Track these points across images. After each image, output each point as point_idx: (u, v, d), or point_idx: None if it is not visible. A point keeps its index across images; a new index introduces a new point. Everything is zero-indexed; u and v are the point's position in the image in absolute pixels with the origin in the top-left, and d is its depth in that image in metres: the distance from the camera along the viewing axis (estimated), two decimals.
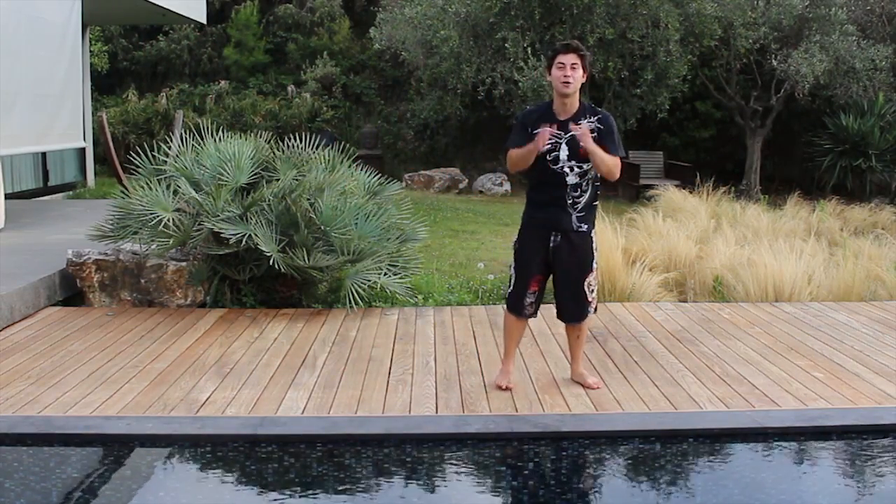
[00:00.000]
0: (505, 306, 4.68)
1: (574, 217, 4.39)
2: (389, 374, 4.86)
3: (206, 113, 17.38)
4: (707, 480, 3.80)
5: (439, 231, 10.12)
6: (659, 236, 8.14)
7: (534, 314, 4.62)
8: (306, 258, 6.01)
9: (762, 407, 4.35)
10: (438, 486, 3.77)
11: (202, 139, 6.84)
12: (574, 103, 4.35)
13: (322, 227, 6.18)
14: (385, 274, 6.39)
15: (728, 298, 6.93)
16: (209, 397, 4.42)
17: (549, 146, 4.30)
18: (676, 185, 12.81)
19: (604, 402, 4.42)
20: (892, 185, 15.35)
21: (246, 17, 19.12)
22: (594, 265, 4.50)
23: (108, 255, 6.38)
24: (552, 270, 4.50)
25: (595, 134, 4.30)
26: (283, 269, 6.03)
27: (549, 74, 4.36)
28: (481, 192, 15.78)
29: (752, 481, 3.71)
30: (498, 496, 3.69)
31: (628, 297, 6.77)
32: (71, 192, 12.99)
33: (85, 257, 6.35)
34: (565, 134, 4.31)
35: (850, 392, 4.58)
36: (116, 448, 3.98)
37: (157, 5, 11.94)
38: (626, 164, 15.65)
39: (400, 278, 6.51)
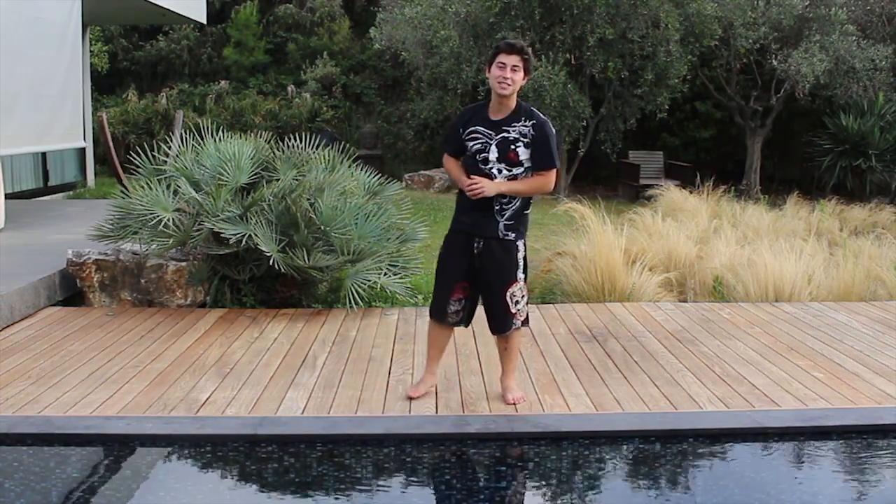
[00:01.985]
0: (429, 314, 4.48)
1: (501, 224, 4.19)
2: (389, 374, 4.86)
3: (206, 113, 17.38)
4: (707, 480, 3.80)
5: (439, 231, 10.05)
6: (659, 236, 8.14)
7: (460, 323, 4.39)
8: (306, 258, 6.01)
9: (762, 407, 4.35)
10: (438, 486, 3.77)
11: (202, 139, 6.84)
12: (510, 104, 4.18)
13: (322, 227, 6.18)
14: (385, 274, 6.39)
15: (728, 298, 6.93)
16: (209, 397, 4.42)
17: (479, 145, 4.20)
18: (677, 185, 12.82)
19: (604, 402, 4.41)
20: (892, 185, 15.35)
21: (246, 17, 19.13)
22: (518, 275, 4.24)
23: (108, 255, 6.38)
24: (476, 278, 4.30)
25: (527, 139, 4.15)
26: (283, 269, 6.03)
27: (488, 71, 4.21)
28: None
29: (752, 481, 3.71)
30: (498, 496, 3.69)
31: (628, 297, 6.77)
32: (71, 192, 13.00)
33: (85, 257, 6.35)
34: (496, 134, 4.17)
35: (850, 392, 4.58)
36: (116, 448, 3.98)
37: (157, 5, 11.95)
38: (627, 164, 15.83)
39: (400, 278, 6.51)
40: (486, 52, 14.50)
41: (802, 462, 4.05)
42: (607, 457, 4.02)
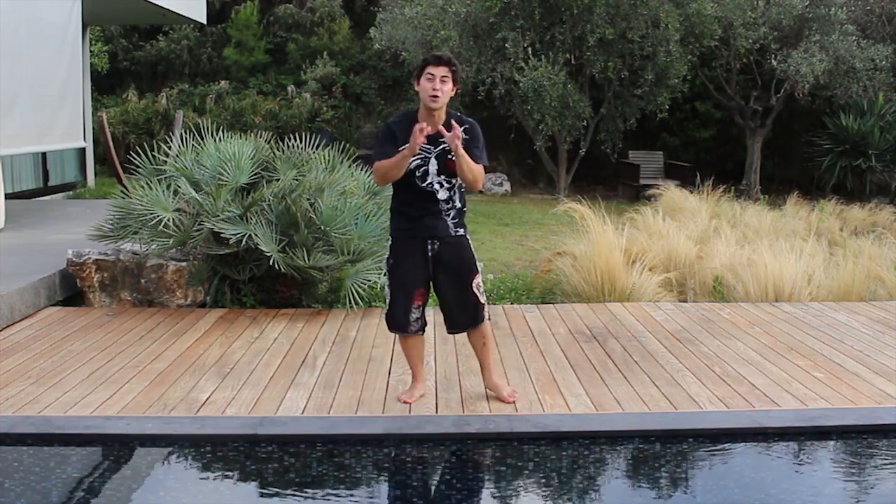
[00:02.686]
0: (388, 328, 4.41)
1: (449, 222, 4.25)
2: (389, 374, 4.86)
3: (206, 113, 17.38)
4: (707, 480, 3.80)
5: None
6: (659, 236, 8.14)
7: (420, 330, 4.37)
8: (306, 258, 6.01)
9: (762, 407, 4.35)
10: (438, 486, 3.77)
11: (202, 139, 6.84)
12: (441, 116, 4.15)
13: (322, 227, 6.19)
14: (385, 274, 6.37)
15: (728, 298, 6.93)
16: (209, 397, 4.43)
17: (419, 160, 4.14)
18: (677, 185, 12.82)
19: (604, 402, 4.42)
20: (892, 185, 15.35)
21: (246, 17, 19.13)
22: (478, 267, 4.32)
23: (108, 255, 6.38)
24: (433, 280, 4.29)
25: (463, 145, 4.10)
26: (283, 269, 6.03)
27: (417, 84, 4.17)
28: (481, 191, 15.75)
29: (752, 481, 3.71)
30: (498, 496, 3.69)
31: (628, 297, 6.77)
32: (71, 192, 13.00)
33: (85, 257, 6.35)
34: (435, 147, 4.15)
35: (850, 392, 4.58)
36: (116, 448, 3.98)
37: (157, 5, 11.95)
38: (627, 164, 15.84)
39: None
40: (487, 52, 14.55)
41: (802, 462, 4.06)
42: (607, 457, 4.02)
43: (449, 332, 4.53)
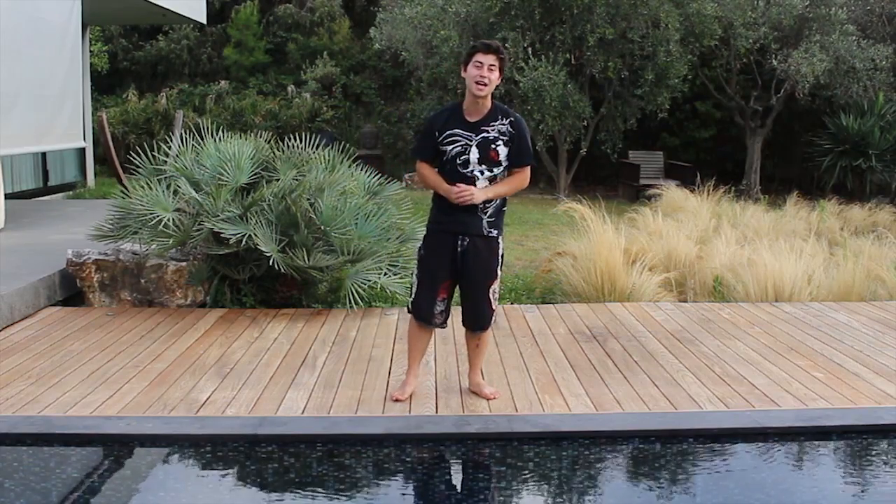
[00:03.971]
0: (410, 316, 4.44)
1: (485, 221, 4.23)
2: (389, 374, 4.86)
3: (206, 113, 17.38)
4: (707, 480, 3.80)
5: None
6: (659, 236, 8.14)
7: (443, 324, 4.42)
8: (306, 258, 6.01)
9: (762, 407, 4.35)
10: (438, 486, 3.77)
11: (202, 139, 6.84)
12: (486, 104, 4.18)
13: (322, 227, 6.18)
14: (385, 274, 6.39)
15: (728, 298, 6.93)
16: (209, 397, 4.42)
17: (459, 148, 4.18)
18: (677, 185, 12.82)
19: (604, 402, 4.41)
20: (892, 185, 15.36)
21: (246, 17, 19.13)
22: (499, 271, 4.34)
23: (108, 255, 6.38)
24: (458, 276, 4.32)
25: (507, 137, 4.17)
26: (283, 269, 6.03)
27: (464, 71, 4.17)
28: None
29: (752, 481, 3.71)
30: (498, 496, 3.69)
31: (628, 297, 6.77)
32: (71, 192, 13.00)
33: (85, 257, 6.35)
34: (476, 135, 4.17)
35: (850, 392, 4.58)
36: (116, 448, 3.98)
37: (157, 5, 11.94)
38: (627, 164, 15.84)
39: (400, 278, 6.51)
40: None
41: (802, 462, 4.06)
42: (607, 457, 4.02)
43: (463, 325, 4.51)
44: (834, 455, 4.12)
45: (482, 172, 4.20)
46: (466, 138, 4.18)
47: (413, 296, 4.40)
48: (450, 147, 4.20)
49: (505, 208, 4.36)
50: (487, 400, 4.41)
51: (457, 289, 4.42)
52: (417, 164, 4.38)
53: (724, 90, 16.02)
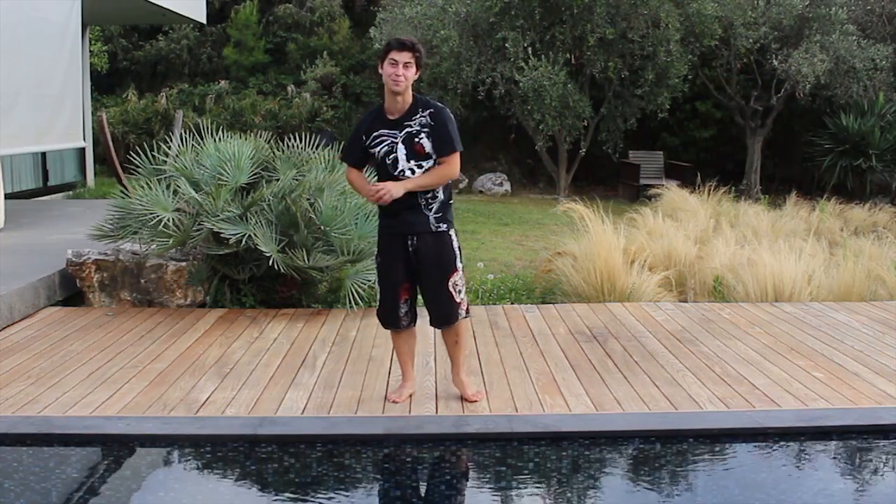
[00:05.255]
0: (380, 324, 4.45)
1: (431, 217, 4.19)
2: (389, 374, 4.85)
3: (206, 113, 17.38)
4: (707, 480, 3.80)
5: None
6: (659, 236, 8.14)
7: (410, 323, 4.40)
8: (306, 258, 6.01)
9: (762, 407, 4.35)
10: (438, 486, 3.77)
11: (202, 139, 6.84)
12: (406, 100, 4.15)
13: (322, 227, 6.18)
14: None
15: (728, 298, 6.93)
16: (209, 397, 4.42)
17: (386, 147, 4.16)
18: (677, 185, 12.82)
19: (604, 402, 4.41)
20: (893, 185, 15.35)
21: (246, 16, 19.13)
22: (458, 264, 4.28)
23: (108, 255, 6.38)
24: (415, 275, 4.30)
25: (428, 129, 4.14)
26: (282, 269, 6.02)
27: (381, 68, 4.13)
28: (481, 191, 15.78)
29: (752, 481, 3.71)
30: (498, 496, 3.69)
31: (628, 297, 6.76)
32: (71, 192, 13.00)
33: (85, 257, 6.35)
34: (400, 132, 4.15)
35: (850, 392, 4.58)
36: (116, 448, 3.98)
37: (157, 5, 11.95)
38: (627, 164, 15.84)
39: None
40: (487, 52, 14.56)
41: (802, 462, 4.05)
42: (607, 457, 4.01)
43: (431, 325, 4.48)
44: (834, 455, 4.12)
45: (412, 170, 4.16)
46: (392, 136, 4.16)
47: (378, 304, 4.41)
48: (378, 148, 4.18)
49: (451, 202, 4.31)
50: (470, 402, 4.36)
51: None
52: (347, 170, 4.40)
53: (724, 90, 16.02)
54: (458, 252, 4.30)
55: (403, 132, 4.15)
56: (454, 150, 4.17)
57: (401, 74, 4.07)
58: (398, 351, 4.52)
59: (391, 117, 4.18)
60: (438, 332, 4.74)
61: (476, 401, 4.38)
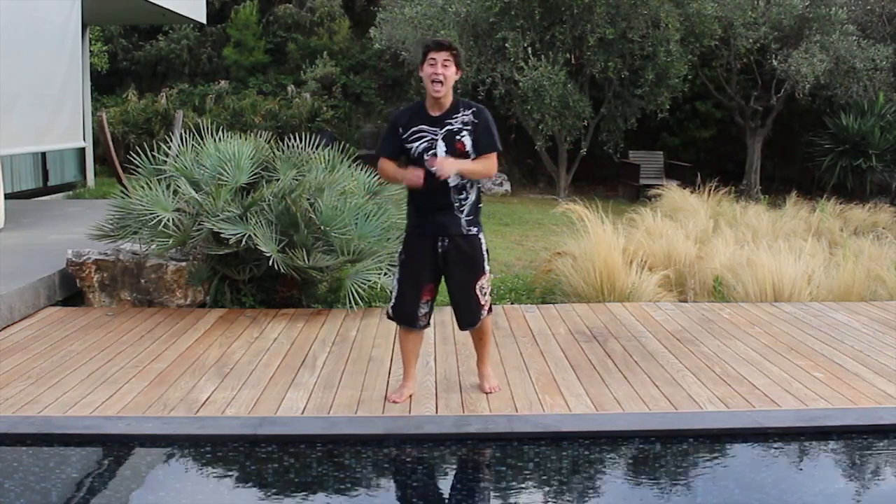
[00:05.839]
0: (394, 321, 4.46)
1: (463, 220, 4.25)
2: (389, 374, 4.85)
3: (206, 113, 17.37)
4: (707, 480, 3.80)
5: None
6: (659, 236, 8.14)
7: (427, 325, 4.43)
8: (306, 258, 6.01)
9: (762, 407, 4.35)
10: (438, 486, 3.77)
11: (202, 139, 6.84)
12: (447, 100, 4.20)
13: (322, 227, 6.18)
14: (385, 274, 6.38)
15: (728, 298, 6.93)
16: (209, 397, 4.42)
17: (425, 143, 4.18)
18: (677, 185, 12.82)
19: (604, 402, 4.41)
20: (893, 185, 15.35)
21: (246, 16, 19.12)
22: (486, 268, 4.35)
23: (108, 255, 6.38)
24: (443, 277, 4.34)
25: (470, 127, 4.19)
26: (282, 270, 6.02)
27: (421, 71, 4.21)
28: (481, 191, 15.77)
29: (752, 481, 3.71)
30: (498, 496, 3.69)
31: (628, 297, 6.76)
32: (71, 192, 13.00)
33: (85, 257, 6.35)
34: (441, 129, 4.19)
35: (850, 392, 4.58)
36: (116, 448, 3.98)
37: (157, 5, 11.94)
38: (627, 164, 15.84)
39: None
40: (487, 52, 14.55)
41: (802, 462, 4.05)
42: (607, 457, 4.01)
43: (458, 326, 4.54)
44: (834, 455, 4.12)
45: None
46: (432, 133, 4.20)
47: (393, 300, 4.40)
48: (416, 144, 4.20)
49: (481, 205, 4.38)
50: (485, 393, 4.45)
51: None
52: (379, 161, 4.37)
53: (724, 90, 16.02)
54: (486, 255, 4.36)
55: (444, 129, 4.20)
56: (495, 149, 4.25)
57: (440, 73, 4.13)
58: (404, 350, 4.50)
59: (432, 114, 4.23)
60: (438, 332, 4.76)
61: (489, 392, 4.46)
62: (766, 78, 15.60)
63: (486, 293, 4.37)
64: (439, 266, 4.30)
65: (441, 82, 4.12)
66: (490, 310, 4.48)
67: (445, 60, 4.14)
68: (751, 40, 14.71)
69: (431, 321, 4.52)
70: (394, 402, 4.37)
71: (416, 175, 4.14)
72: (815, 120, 16.14)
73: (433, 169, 4.09)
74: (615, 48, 14.28)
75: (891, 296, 7.04)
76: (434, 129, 4.20)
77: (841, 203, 12.59)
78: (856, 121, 15.20)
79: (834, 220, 10.98)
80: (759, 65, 15.62)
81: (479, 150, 4.22)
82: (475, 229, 4.31)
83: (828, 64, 14.25)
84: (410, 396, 4.43)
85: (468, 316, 4.39)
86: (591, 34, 13.88)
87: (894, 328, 5.99)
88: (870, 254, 7.73)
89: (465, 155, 4.19)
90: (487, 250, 4.39)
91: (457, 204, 4.24)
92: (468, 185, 4.26)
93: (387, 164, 4.35)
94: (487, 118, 4.26)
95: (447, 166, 4.08)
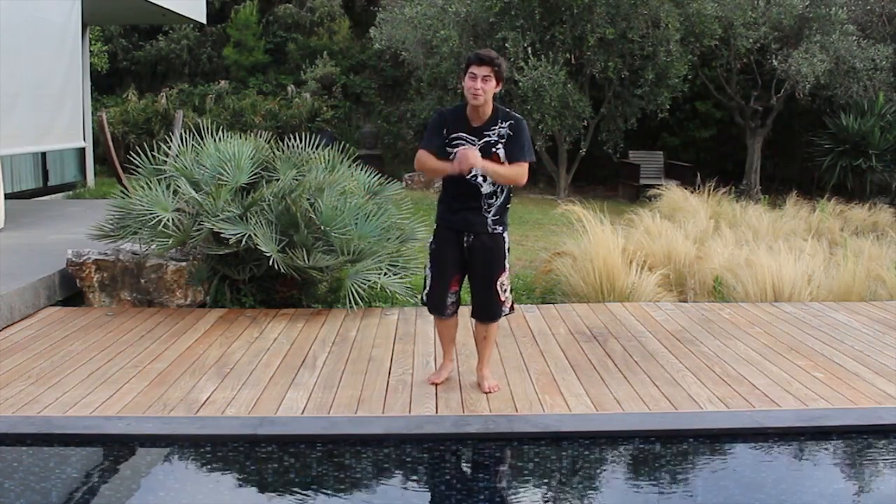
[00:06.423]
0: (427, 309, 4.66)
1: (489, 219, 4.42)
2: (389, 374, 4.86)
3: (206, 113, 17.38)
4: (707, 480, 3.80)
5: None
6: (658, 236, 8.14)
7: (455, 313, 4.62)
8: (306, 258, 6.01)
9: (762, 407, 4.35)
10: (438, 486, 3.77)
11: (202, 139, 6.84)
12: (486, 111, 4.34)
13: (322, 227, 6.18)
14: (385, 274, 6.39)
15: (728, 298, 6.93)
16: (209, 397, 4.42)
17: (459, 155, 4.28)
18: (677, 185, 12.82)
19: (604, 402, 4.41)
20: (893, 185, 15.35)
21: (246, 16, 19.13)
22: (506, 265, 4.51)
23: (108, 255, 6.38)
24: (467, 269, 4.52)
25: (504, 139, 4.33)
26: (283, 269, 6.02)
27: (462, 80, 4.37)
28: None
29: (752, 481, 3.71)
30: (498, 496, 3.69)
31: (628, 297, 6.77)
32: (71, 192, 13.00)
33: (85, 257, 6.35)
34: (479, 140, 4.32)
35: (850, 392, 4.58)
36: (116, 448, 3.98)
37: (157, 5, 11.94)
38: (627, 164, 15.84)
39: (400, 278, 6.51)
40: None
41: (802, 462, 4.05)
42: (607, 457, 4.02)
43: (472, 317, 4.68)
44: (834, 455, 4.12)
45: (485, 178, 4.35)
46: (470, 142, 4.33)
47: (427, 288, 4.59)
48: (455, 150, 4.31)
49: (508, 206, 4.53)
50: (485, 393, 4.50)
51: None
52: (419, 152, 4.44)
53: (724, 90, 16.01)
54: (507, 253, 4.51)
55: (482, 140, 4.34)
56: (525, 158, 4.37)
57: (479, 88, 4.26)
58: (441, 335, 4.75)
59: (473, 124, 4.36)
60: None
61: (489, 392, 4.52)
62: (766, 78, 15.60)
63: (505, 290, 4.52)
64: (465, 258, 4.47)
65: (480, 95, 4.25)
66: (512, 308, 4.65)
67: (486, 76, 4.26)
68: (751, 40, 14.71)
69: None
70: (433, 383, 4.58)
71: (449, 166, 4.25)
72: (815, 120, 16.14)
73: (455, 153, 4.23)
74: (615, 48, 14.28)
75: (891, 296, 7.04)
76: (472, 138, 4.34)
77: (841, 203, 12.59)
78: (856, 121, 15.20)
79: (834, 220, 10.98)
80: (759, 65, 15.62)
81: (510, 159, 4.35)
82: (500, 228, 4.46)
83: (828, 64, 14.25)
84: (410, 397, 4.44)
85: (487, 310, 4.54)
86: (591, 34, 13.88)
87: (894, 328, 5.99)
88: (870, 254, 7.73)
89: (500, 167, 4.33)
90: (509, 248, 4.53)
91: (485, 206, 4.40)
92: (498, 190, 4.42)
93: (425, 156, 4.42)
94: (523, 130, 4.40)
95: (471, 158, 4.17)
